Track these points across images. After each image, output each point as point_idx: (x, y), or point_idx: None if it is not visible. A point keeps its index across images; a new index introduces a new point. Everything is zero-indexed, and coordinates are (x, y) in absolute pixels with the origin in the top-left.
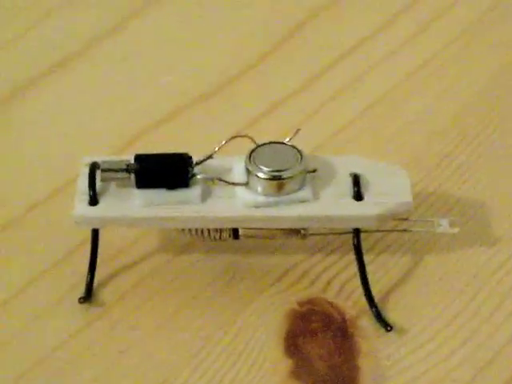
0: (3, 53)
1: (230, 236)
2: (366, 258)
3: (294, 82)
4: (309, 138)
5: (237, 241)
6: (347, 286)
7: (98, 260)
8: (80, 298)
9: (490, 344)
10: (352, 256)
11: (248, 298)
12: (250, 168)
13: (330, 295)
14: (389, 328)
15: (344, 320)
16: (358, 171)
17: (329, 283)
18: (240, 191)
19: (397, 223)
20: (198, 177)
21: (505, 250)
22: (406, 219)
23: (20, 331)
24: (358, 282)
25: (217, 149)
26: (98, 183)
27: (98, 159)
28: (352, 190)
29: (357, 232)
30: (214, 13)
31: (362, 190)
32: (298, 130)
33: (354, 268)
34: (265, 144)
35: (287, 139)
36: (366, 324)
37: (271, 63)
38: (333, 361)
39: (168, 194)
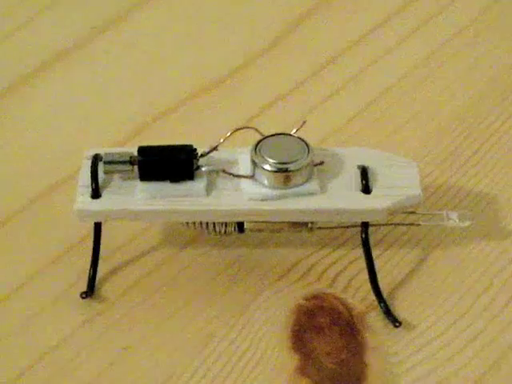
0: (3, 44)
1: (235, 230)
2: (374, 253)
3: (300, 73)
4: (315, 130)
5: (242, 234)
6: (355, 280)
7: (101, 254)
8: (82, 293)
9: (500, 341)
10: (360, 250)
11: (254, 293)
12: (255, 160)
13: (337, 290)
14: (397, 324)
15: (351, 315)
16: (365, 163)
17: (336, 278)
18: (245, 184)
19: (406, 216)
20: (203, 169)
21: None
22: (414, 212)
23: (21, 326)
24: (365, 276)
25: (222, 140)
26: (101, 176)
27: (101, 151)
28: (360, 183)
29: (365, 225)
30: (217, 4)
31: (371, 182)
32: (305, 121)
33: (361, 262)
34: (271, 136)
35: (293, 131)
36: (374, 319)
37: (277, 54)
38: (340, 357)
39: (172, 187)
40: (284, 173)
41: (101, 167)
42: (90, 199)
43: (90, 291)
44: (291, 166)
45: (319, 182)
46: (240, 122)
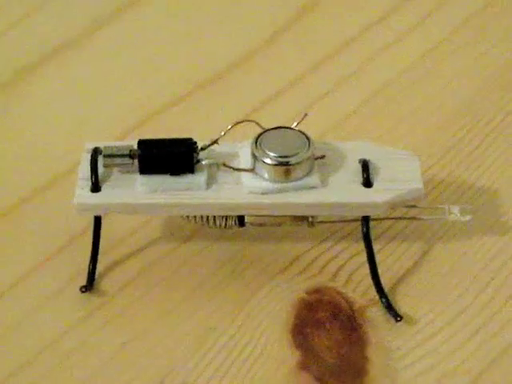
0: (4, 38)
1: (235, 223)
2: (375, 247)
3: (301, 66)
4: (315, 125)
5: (243, 228)
6: (356, 274)
7: (100, 248)
8: (82, 287)
9: (502, 335)
10: (361, 244)
11: (254, 287)
12: (256, 153)
13: (338, 284)
14: (398, 318)
15: (352, 310)
16: (367, 157)
17: (337, 272)
18: (246, 177)
19: (407, 210)
20: (203, 162)
21: None
22: (416, 206)
23: (21, 321)
24: (366, 270)
25: (222, 133)
26: (101, 169)
27: (101, 145)
28: (361, 177)
29: (366, 219)
30: None
31: (372, 176)
32: (306, 114)
33: (362, 256)
34: (272, 129)
35: (294, 124)
36: (375, 314)
37: (277, 48)
38: (341, 352)
39: (172, 180)
40: (284, 166)
41: (100, 161)
42: (89, 193)
43: (90, 285)
44: (292, 160)
45: (320, 175)
46: (240, 116)
